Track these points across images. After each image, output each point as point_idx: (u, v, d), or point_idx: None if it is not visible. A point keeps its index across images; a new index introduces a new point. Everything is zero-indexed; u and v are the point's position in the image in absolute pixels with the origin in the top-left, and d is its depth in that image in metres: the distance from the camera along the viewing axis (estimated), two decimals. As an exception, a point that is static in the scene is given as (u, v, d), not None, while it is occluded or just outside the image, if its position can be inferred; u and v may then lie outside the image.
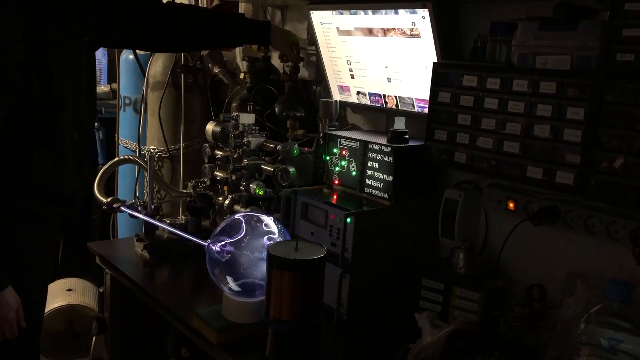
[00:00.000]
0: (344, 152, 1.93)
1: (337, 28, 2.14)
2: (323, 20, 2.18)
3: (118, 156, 3.00)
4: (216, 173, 2.27)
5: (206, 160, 2.32)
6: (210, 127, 2.30)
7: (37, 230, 1.73)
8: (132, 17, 1.93)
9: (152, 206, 2.20)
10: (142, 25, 1.96)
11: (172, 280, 2.08)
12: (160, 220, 2.17)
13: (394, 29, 1.92)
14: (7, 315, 1.62)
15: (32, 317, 1.74)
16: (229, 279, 1.60)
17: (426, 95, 1.79)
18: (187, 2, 2.81)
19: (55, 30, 1.64)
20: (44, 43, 1.59)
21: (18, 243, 1.68)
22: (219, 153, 2.25)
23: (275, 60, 2.63)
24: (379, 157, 1.81)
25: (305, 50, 2.38)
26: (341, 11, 2.08)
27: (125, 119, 3.07)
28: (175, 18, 2.02)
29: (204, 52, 2.68)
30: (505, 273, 1.75)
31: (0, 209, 1.63)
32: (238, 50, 2.86)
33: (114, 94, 3.68)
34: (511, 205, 1.70)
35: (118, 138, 3.14)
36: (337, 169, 1.96)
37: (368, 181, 1.85)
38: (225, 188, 2.22)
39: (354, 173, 1.90)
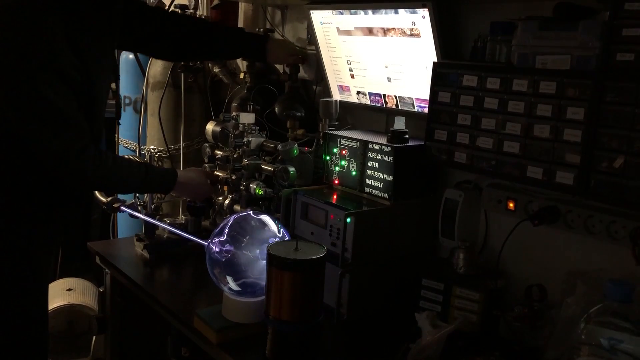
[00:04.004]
0: (344, 152, 1.93)
1: (337, 28, 2.14)
2: (323, 20, 2.18)
3: (118, 156, 3.00)
4: (216, 173, 2.27)
5: (206, 160, 2.32)
6: (210, 127, 2.30)
7: (49, 229, 1.76)
8: (144, 23, 1.99)
9: (152, 206, 2.20)
10: (150, 31, 2.02)
11: (172, 280, 2.08)
12: (160, 220, 2.17)
13: (394, 28, 1.92)
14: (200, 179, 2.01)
15: (40, 316, 1.76)
16: (229, 279, 1.60)
17: (426, 95, 1.79)
18: (187, 2, 2.80)
19: (91, 41, 1.67)
20: (84, 54, 1.63)
21: (31, 241, 1.71)
22: (219, 153, 2.25)
23: (275, 60, 2.63)
24: (379, 157, 1.81)
25: (305, 50, 2.38)
26: (341, 11, 2.08)
27: (125, 119, 3.07)
28: (180, 27, 2.08)
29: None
30: (505, 273, 1.75)
31: (14, 208, 1.65)
32: (238, 50, 2.86)
33: (114, 94, 3.68)
34: (511, 205, 1.70)
35: (118, 138, 3.14)
36: (337, 168, 1.96)
37: (368, 181, 1.85)
38: (225, 188, 2.22)
39: (354, 173, 1.90)
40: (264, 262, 1.49)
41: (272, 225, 1.64)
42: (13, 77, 1.52)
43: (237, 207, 2.13)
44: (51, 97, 1.53)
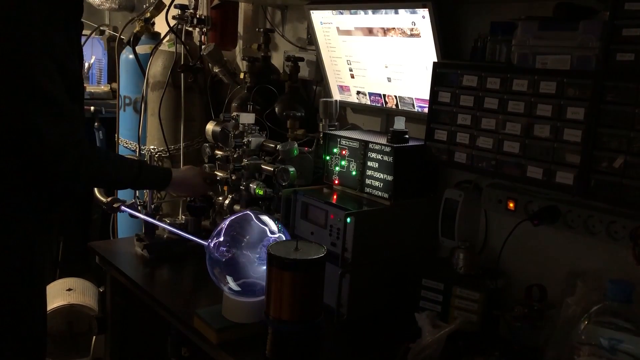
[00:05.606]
0: (344, 152, 1.93)
1: (337, 28, 2.14)
2: (323, 20, 2.18)
3: (118, 156, 3.00)
4: (215, 173, 2.27)
5: (206, 160, 2.32)
6: (210, 127, 2.30)
7: (47, 224, 1.75)
8: None
9: (152, 206, 2.20)
10: None
11: (172, 280, 2.08)
12: (160, 220, 2.17)
13: (394, 28, 1.92)
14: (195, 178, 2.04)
15: (38, 316, 1.76)
16: (229, 278, 1.60)
17: (426, 95, 1.79)
18: (187, 3, 2.80)
19: (73, 26, 1.66)
20: (68, 39, 1.61)
21: (34, 236, 1.70)
22: (219, 153, 2.25)
23: (275, 60, 2.63)
24: (379, 157, 1.81)
25: (306, 50, 2.38)
26: (341, 11, 2.08)
27: (125, 119, 3.07)
28: None
29: (204, 52, 2.68)
30: (505, 273, 1.75)
31: (11, 204, 1.64)
32: (238, 50, 2.86)
33: (114, 94, 3.68)
34: (511, 205, 1.70)
35: (118, 138, 3.13)
36: (337, 169, 1.96)
37: (368, 181, 1.85)
38: (225, 188, 2.22)
39: (354, 173, 1.90)
40: (264, 262, 1.49)
41: (272, 225, 1.64)
42: (9, 66, 1.48)
43: (237, 207, 2.13)
44: (50, 88, 1.51)
